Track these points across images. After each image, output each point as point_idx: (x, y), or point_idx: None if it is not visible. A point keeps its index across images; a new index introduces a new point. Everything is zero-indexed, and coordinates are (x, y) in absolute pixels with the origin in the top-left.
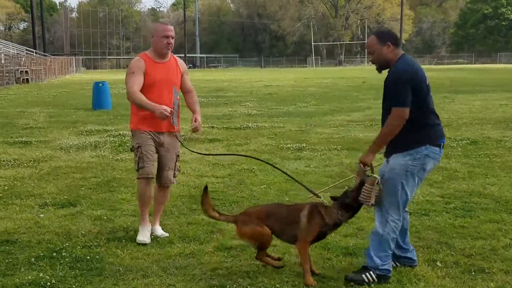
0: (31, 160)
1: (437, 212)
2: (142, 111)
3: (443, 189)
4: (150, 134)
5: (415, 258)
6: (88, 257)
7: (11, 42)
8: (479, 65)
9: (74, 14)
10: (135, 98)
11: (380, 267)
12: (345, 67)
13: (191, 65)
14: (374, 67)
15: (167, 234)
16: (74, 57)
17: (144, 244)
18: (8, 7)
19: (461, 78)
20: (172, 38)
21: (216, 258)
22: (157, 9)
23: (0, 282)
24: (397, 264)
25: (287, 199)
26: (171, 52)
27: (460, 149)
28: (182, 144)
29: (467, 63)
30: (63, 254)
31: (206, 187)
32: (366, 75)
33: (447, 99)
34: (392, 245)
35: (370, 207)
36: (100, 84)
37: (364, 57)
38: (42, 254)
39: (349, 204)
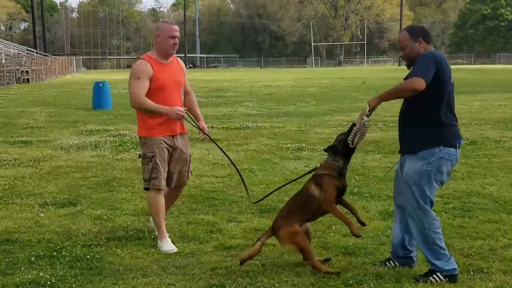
0: (31, 160)
1: (436, 212)
2: (152, 117)
3: (442, 189)
4: (164, 141)
5: (415, 258)
6: (88, 256)
7: (12, 42)
8: (478, 66)
9: (74, 14)
10: (144, 104)
11: (446, 268)
12: (344, 68)
13: (191, 65)
14: (372, 67)
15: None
16: (74, 57)
17: (144, 244)
18: (9, 7)
19: (460, 78)
20: (178, 38)
21: (216, 257)
22: (157, 9)
23: (0, 281)
24: (396, 263)
25: (286, 198)
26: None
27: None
28: (211, 138)
29: (466, 64)
30: (63, 253)
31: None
32: (366, 76)
33: None
34: (442, 243)
35: (351, 146)
36: (101, 84)
37: (364, 57)
38: (42, 253)
39: (336, 147)
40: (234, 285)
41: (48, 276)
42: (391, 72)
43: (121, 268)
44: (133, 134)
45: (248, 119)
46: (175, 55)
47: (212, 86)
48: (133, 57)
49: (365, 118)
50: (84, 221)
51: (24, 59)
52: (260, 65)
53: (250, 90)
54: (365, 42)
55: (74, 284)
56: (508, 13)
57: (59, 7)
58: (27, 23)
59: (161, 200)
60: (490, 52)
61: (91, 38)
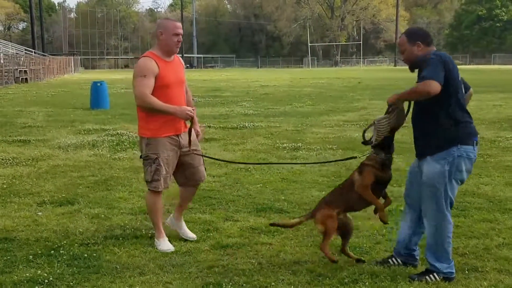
0: (29, 159)
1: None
2: (156, 116)
3: None
4: (169, 141)
5: (418, 257)
6: (86, 255)
7: (10, 42)
8: (474, 66)
9: (72, 15)
10: (152, 103)
11: (444, 270)
12: (341, 68)
13: (188, 65)
14: (368, 67)
15: (195, 237)
16: (72, 57)
17: (142, 243)
18: (7, 7)
19: None
20: (182, 35)
21: (212, 256)
22: (155, 10)
23: None
24: (398, 261)
25: (283, 197)
26: None
27: None
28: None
29: (461, 64)
30: (61, 251)
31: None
32: (362, 76)
33: None
34: (450, 248)
35: (368, 142)
36: (98, 84)
37: (360, 58)
38: (40, 251)
39: (368, 142)
40: (230, 283)
41: (45, 274)
42: (387, 72)
43: (118, 267)
44: (131, 133)
45: (245, 118)
46: None
47: (209, 86)
48: (130, 57)
49: (380, 116)
50: (82, 219)
51: (22, 59)
52: (256, 65)
53: (247, 90)
54: (361, 42)
55: (72, 282)
56: (503, 13)
57: (57, 7)
58: (25, 23)
59: (160, 201)
60: (485, 53)
61: (89, 38)
